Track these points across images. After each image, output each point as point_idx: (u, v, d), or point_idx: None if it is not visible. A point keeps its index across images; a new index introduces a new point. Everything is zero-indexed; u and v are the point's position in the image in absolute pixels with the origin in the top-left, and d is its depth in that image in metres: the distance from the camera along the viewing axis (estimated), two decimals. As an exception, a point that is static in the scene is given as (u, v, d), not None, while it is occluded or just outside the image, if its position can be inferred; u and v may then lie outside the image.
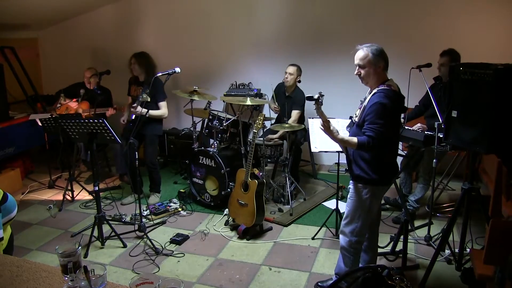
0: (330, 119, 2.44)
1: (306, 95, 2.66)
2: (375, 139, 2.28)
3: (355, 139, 2.34)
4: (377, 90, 2.38)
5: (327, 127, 2.41)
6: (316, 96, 2.36)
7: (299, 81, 4.58)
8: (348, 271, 2.56)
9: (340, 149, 2.96)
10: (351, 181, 2.58)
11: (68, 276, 1.44)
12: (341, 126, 2.74)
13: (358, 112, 2.50)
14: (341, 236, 2.68)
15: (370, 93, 2.43)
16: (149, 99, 3.81)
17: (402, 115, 3.73)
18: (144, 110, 3.85)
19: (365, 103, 2.40)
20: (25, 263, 1.63)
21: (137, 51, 4.28)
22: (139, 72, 4.22)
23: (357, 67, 2.45)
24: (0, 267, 1.60)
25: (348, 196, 2.60)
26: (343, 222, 2.65)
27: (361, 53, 2.41)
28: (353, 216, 2.56)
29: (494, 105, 2.25)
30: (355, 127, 2.47)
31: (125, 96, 4.55)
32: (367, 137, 2.29)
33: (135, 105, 3.76)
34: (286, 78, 4.52)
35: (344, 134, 2.52)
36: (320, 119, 2.42)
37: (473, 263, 2.45)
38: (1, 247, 2.32)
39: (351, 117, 2.62)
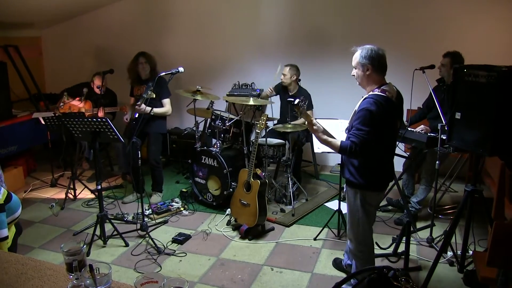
0: (334, 120, 2.44)
1: (287, 99, 2.71)
2: (358, 145, 2.25)
3: (338, 142, 2.34)
4: (368, 95, 2.35)
5: (311, 127, 2.45)
6: (296, 101, 2.39)
7: (299, 80, 4.58)
8: (352, 273, 2.57)
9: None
10: (345, 185, 2.59)
11: (73, 274, 1.45)
12: (344, 127, 2.74)
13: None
14: (348, 241, 2.70)
15: (362, 97, 2.40)
16: (154, 96, 3.79)
17: (405, 119, 3.75)
18: (148, 108, 3.86)
19: (356, 108, 2.39)
20: (30, 261, 1.64)
21: (140, 51, 4.28)
22: (147, 71, 4.22)
23: (353, 68, 2.46)
24: (5, 265, 1.60)
25: (346, 200, 2.62)
26: (347, 227, 2.66)
27: (355, 54, 2.42)
28: (352, 221, 2.57)
29: (498, 107, 2.25)
30: (347, 131, 2.46)
31: (128, 95, 4.56)
32: (351, 142, 2.28)
33: (139, 103, 3.76)
34: (282, 78, 4.58)
35: (342, 136, 2.50)
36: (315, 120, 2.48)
37: (476, 266, 2.45)
38: (5, 246, 2.34)
39: None
